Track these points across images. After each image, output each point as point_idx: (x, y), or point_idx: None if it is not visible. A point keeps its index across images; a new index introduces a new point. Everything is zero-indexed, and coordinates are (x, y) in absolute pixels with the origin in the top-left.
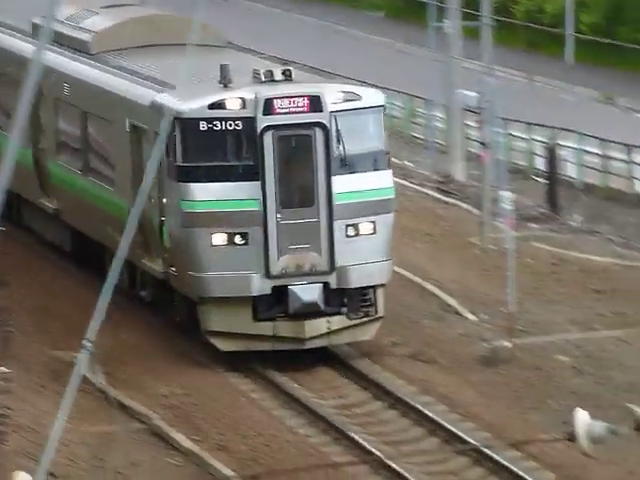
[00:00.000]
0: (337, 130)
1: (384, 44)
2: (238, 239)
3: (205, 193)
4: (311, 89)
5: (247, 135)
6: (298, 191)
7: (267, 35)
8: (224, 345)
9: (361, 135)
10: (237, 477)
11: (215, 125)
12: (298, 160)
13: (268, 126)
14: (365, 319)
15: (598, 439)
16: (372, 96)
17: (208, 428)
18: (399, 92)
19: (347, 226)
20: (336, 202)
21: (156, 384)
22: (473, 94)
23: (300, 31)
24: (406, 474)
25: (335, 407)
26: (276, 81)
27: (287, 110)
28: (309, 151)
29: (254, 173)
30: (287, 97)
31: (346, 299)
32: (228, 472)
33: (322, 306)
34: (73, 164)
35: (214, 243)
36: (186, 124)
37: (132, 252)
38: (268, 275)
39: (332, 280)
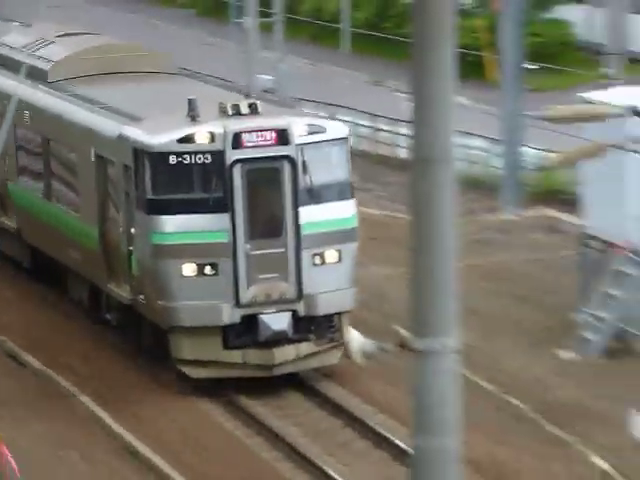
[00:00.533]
0: (303, 162)
1: (195, 37)
2: (208, 270)
3: (175, 225)
4: (278, 123)
5: (216, 168)
6: (266, 222)
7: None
8: (194, 372)
9: (326, 166)
10: None
11: (184, 159)
12: (266, 192)
13: (237, 160)
14: (331, 344)
15: (369, 354)
16: (336, 129)
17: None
18: (207, 76)
19: (314, 255)
20: (303, 232)
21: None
22: (268, 78)
23: (127, 26)
24: None
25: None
26: (243, 114)
27: (255, 143)
28: (277, 183)
29: (223, 205)
30: (255, 131)
31: (313, 326)
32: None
33: (291, 333)
34: (33, 187)
35: (184, 274)
36: (155, 158)
37: (97, 277)
38: (238, 304)
39: (300, 308)
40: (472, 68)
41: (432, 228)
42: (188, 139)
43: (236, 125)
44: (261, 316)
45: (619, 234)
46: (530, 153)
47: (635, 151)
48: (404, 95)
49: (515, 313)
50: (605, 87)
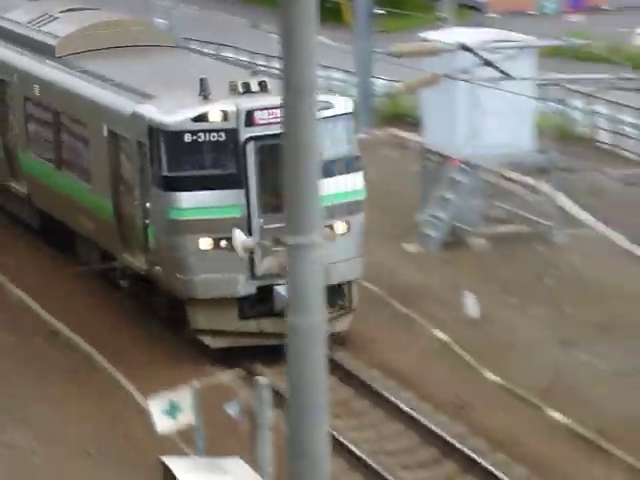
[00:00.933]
0: None
1: None
2: (224, 243)
3: (191, 201)
4: None
5: (229, 146)
6: (279, 197)
7: None
8: (212, 342)
9: (335, 141)
10: None
11: (199, 137)
12: (278, 168)
13: (250, 137)
14: (341, 312)
15: (249, 249)
16: (343, 104)
17: None
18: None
19: (325, 227)
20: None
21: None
22: (163, 21)
23: None
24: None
25: None
26: (253, 92)
27: (267, 121)
28: None
29: (237, 181)
30: (266, 108)
31: (326, 295)
32: None
33: None
34: (44, 156)
35: (201, 248)
36: (171, 136)
37: (111, 245)
38: (253, 276)
39: None
40: (331, 13)
41: (301, 144)
42: (202, 118)
43: (248, 103)
44: (276, 287)
45: (452, 149)
46: (379, 83)
47: (463, 80)
48: (276, 36)
49: (368, 215)
50: (439, 28)
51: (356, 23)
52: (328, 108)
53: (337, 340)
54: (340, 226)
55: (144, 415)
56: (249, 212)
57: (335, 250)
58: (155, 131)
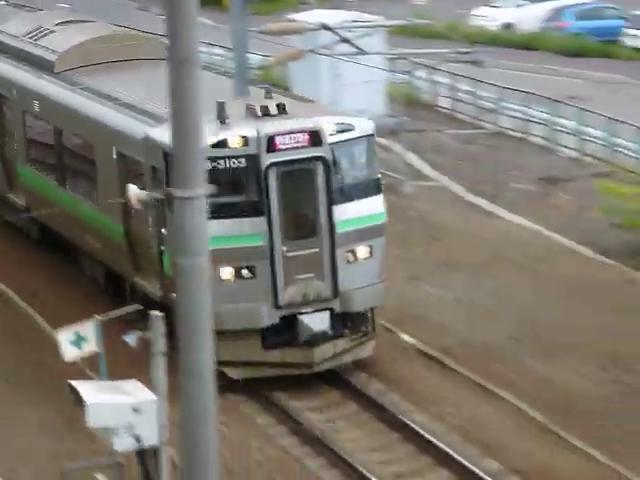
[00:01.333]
0: (335, 161)
1: None
2: (245, 272)
3: (211, 230)
4: (310, 124)
5: (250, 172)
6: (301, 224)
7: None
8: (235, 373)
9: (356, 164)
10: None
11: (219, 164)
12: (300, 194)
13: (271, 163)
14: (364, 338)
15: (145, 202)
16: (364, 125)
17: None
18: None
19: (347, 252)
20: (337, 231)
21: None
22: (67, 6)
23: None
24: None
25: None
26: (272, 116)
27: (289, 146)
28: (311, 185)
29: (259, 208)
30: (287, 133)
31: (349, 322)
32: None
33: (329, 332)
34: (44, 171)
35: (222, 277)
36: None
37: (121, 267)
38: (276, 306)
39: (336, 305)
40: None
41: (185, 108)
42: (221, 144)
43: (268, 128)
44: (300, 317)
45: None
46: (254, 58)
47: (324, 55)
48: (163, 17)
49: None
50: (303, 11)
51: (233, 6)
52: (348, 130)
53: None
54: (362, 251)
55: (55, 346)
56: (272, 240)
57: (358, 276)
58: (172, 157)
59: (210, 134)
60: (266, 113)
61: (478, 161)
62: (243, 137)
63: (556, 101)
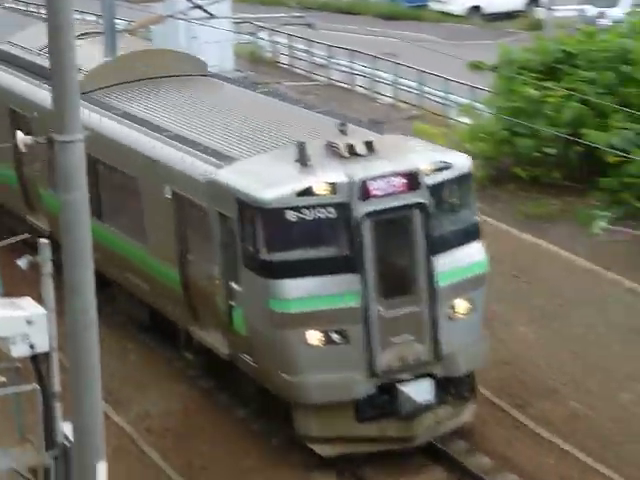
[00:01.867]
0: (434, 206)
1: None
2: (336, 337)
3: (297, 290)
4: (406, 165)
5: (340, 223)
6: (398, 279)
7: None
8: (325, 450)
9: (455, 207)
10: None
11: (304, 214)
12: (397, 246)
13: (366, 212)
14: (465, 402)
15: (28, 146)
16: (461, 162)
17: None
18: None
19: (448, 309)
20: (438, 285)
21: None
22: None
23: None
24: None
25: None
26: (360, 155)
27: (384, 192)
28: (408, 235)
29: (351, 264)
30: (382, 177)
31: (452, 387)
32: None
33: (433, 401)
34: None
35: (310, 343)
36: (271, 214)
37: (174, 314)
38: (372, 374)
39: (438, 370)
40: None
41: (63, 62)
42: (307, 192)
43: (360, 172)
44: (399, 386)
45: None
46: (121, 22)
47: (182, 19)
48: None
49: None
50: None
51: None
52: (446, 168)
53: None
54: (463, 305)
55: None
56: (366, 300)
57: (460, 334)
58: (248, 206)
59: (292, 180)
60: (353, 152)
61: (314, 108)
62: (331, 184)
63: (376, 57)
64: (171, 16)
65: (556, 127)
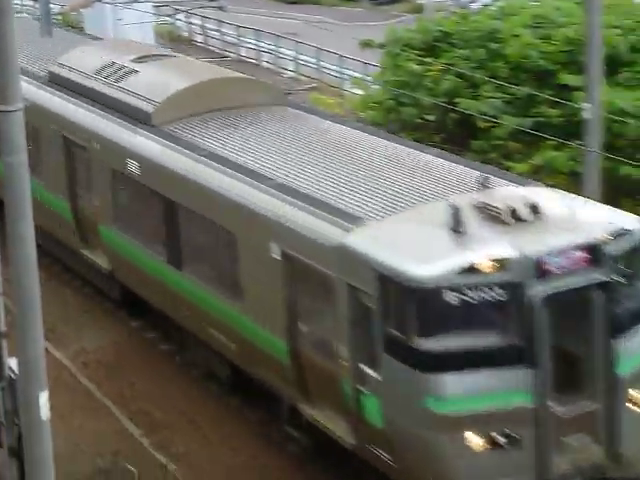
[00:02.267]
0: (615, 283)
1: None
2: (503, 441)
3: (457, 386)
4: (585, 235)
5: (511, 306)
6: (574, 371)
7: None
8: None
9: (635, 280)
10: None
11: (467, 295)
12: (574, 333)
13: (542, 293)
14: None
15: None
16: (636, 225)
17: None
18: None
19: (629, 402)
20: (618, 374)
21: None
22: None
23: None
24: None
25: None
26: (527, 222)
27: (562, 270)
28: (589, 320)
29: (522, 355)
30: (560, 251)
31: None
32: None
33: None
34: (144, 242)
35: (471, 448)
36: (426, 295)
37: (277, 385)
38: None
39: (616, 474)
40: None
41: (3, 50)
42: (471, 268)
43: (532, 244)
44: None
45: None
46: (55, 7)
47: (107, 3)
48: None
49: None
50: None
51: None
52: (626, 235)
53: None
54: None
55: None
56: (540, 398)
57: (638, 431)
58: (394, 283)
59: (450, 253)
60: (517, 218)
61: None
62: (499, 260)
63: (279, 36)
64: (99, 0)
65: (435, 97)
